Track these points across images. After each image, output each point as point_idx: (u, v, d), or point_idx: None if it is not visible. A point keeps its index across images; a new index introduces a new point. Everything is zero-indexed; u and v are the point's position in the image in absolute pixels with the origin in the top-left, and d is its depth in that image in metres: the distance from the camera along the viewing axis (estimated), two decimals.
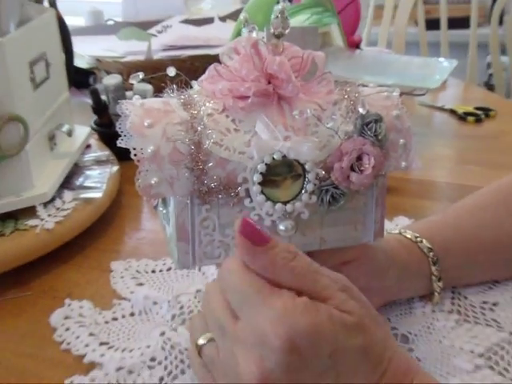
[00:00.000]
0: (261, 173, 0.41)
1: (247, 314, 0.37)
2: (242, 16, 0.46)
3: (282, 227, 0.42)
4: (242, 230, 0.37)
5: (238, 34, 0.90)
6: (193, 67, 1.01)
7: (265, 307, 0.36)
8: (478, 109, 1.12)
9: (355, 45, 1.16)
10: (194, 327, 0.44)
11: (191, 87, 0.45)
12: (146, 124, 0.40)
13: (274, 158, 0.41)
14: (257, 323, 0.36)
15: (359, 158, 0.43)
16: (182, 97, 0.43)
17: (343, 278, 0.40)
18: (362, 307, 0.39)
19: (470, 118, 1.09)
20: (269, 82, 0.42)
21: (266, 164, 0.41)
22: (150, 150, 0.40)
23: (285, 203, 0.42)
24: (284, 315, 0.35)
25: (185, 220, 0.42)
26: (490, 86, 2.29)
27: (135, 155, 0.40)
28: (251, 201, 0.42)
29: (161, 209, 0.46)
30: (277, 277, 0.37)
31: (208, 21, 1.34)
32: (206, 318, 0.41)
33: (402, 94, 0.48)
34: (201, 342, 0.41)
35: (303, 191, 0.42)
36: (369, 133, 0.43)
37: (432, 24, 2.08)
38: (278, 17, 0.43)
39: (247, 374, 0.35)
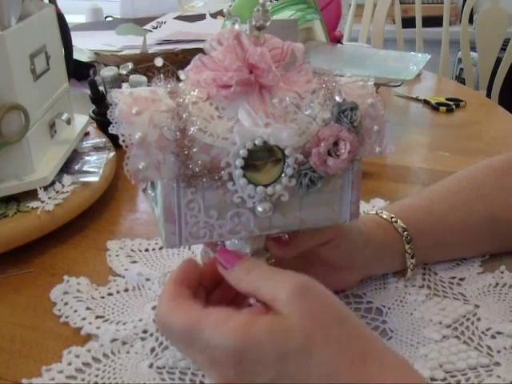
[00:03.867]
0: (243, 157, 0.40)
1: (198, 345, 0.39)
2: (225, 9, 0.44)
3: (260, 209, 0.41)
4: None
5: None
6: (185, 60, 0.99)
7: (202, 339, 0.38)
8: (449, 100, 1.11)
9: (336, 40, 1.15)
10: None
11: (178, 78, 0.43)
12: (133, 112, 0.39)
13: (255, 144, 0.39)
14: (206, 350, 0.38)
15: (336, 144, 0.42)
16: (169, 86, 0.41)
17: (301, 281, 0.38)
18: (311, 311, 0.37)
19: (442, 108, 1.09)
20: (250, 72, 0.41)
21: (247, 149, 0.39)
22: (137, 137, 0.39)
23: (266, 186, 0.41)
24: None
25: (171, 202, 0.41)
26: (460, 80, 2.29)
27: (124, 141, 0.39)
28: (234, 184, 0.41)
29: (150, 192, 0.44)
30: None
31: (200, 17, 1.32)
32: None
33: (379, 85, 0.47)
34: None
35: (283, 175, 0.41)
36: (345, 120, 0.42)
37: (408, 22, 2.09)
38: (259, 10, 0.41)
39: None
